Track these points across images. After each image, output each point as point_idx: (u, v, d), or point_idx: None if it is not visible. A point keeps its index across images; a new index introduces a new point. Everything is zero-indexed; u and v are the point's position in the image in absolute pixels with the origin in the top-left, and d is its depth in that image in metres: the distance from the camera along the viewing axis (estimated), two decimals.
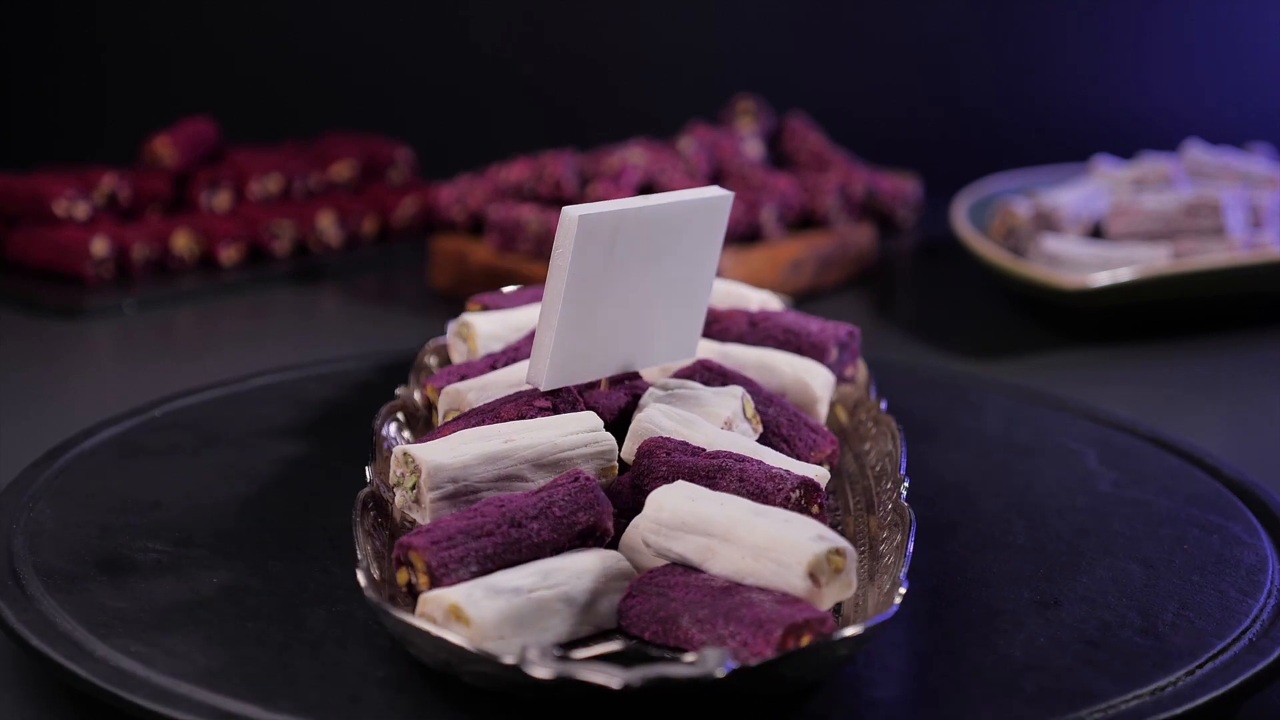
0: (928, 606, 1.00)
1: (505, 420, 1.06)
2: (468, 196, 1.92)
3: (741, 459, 1.00)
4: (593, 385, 1.13)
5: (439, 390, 1.16)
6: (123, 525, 1.11)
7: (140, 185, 1.96)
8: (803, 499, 0.97)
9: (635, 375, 1.15)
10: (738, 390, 1.10)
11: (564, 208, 1.05)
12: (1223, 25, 2.37)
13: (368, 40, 2.51)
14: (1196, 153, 2.01)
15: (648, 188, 1.88)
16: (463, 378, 1.17)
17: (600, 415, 1.08)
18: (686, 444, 1.02)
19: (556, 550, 0.96)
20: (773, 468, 0.99)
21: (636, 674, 0.82)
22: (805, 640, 0.87)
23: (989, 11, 2.42)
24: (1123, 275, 1.65)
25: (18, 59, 2.50)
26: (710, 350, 1.22)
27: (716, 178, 1.98)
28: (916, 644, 0.96)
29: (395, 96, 2.50)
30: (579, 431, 1.04)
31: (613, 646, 0.93)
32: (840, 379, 1.25)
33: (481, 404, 1.10)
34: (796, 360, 1.21)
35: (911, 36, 2.45)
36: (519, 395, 1.09)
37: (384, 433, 1.16)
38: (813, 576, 0.90)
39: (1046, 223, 1.86)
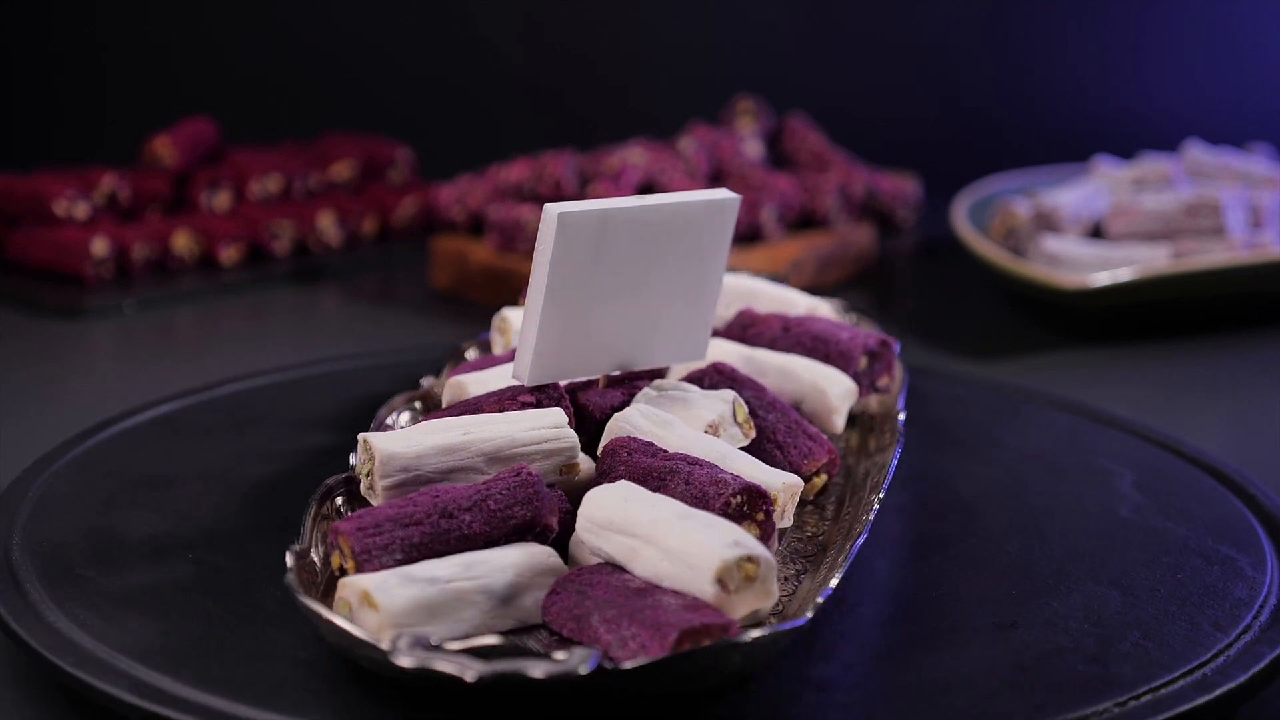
0: (886, 619, 1.00)
1: (485, 414, 1.06)
2: (468, 196, 1.92)
3: (695, 462, 1.00)
4: (591, 383, 1.13)
5: None
6: (129, 502, 1.14)
7: (140, 185, 1.96)
8: (745, 505, 0.97)
9: (645, 375, 1.15)
10: (729, 394, 1.10)
11: (545, 205, 1.06)
12: (1223, 25, 2.37)
13: (368, 40, 2.51)
14: (1196, 153, 2.01)
15: (648, 188, 1.88)
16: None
17: (592, 414, 1.09)
18: (651, 445, 1.02)
19: (490, 543, 0.96)
20: (721, 472, 0.98)
21: (491, 668, 0.82)
22: (704, 643, 0.86)
23: (989, 12, 2.42)
24: (1123, 275, 1.65)
25: (18, 59, 2.50)
26: (736, 354, 1.22)
27: (716, 178, 1.98)
28: (850, 656, 0.95)
29: (395, 96, 2.50)
30: (539, 428, 1.03)
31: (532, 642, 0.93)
32: (872, 389, 1.24)
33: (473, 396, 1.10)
34: (817, 368, 1.21)
35: (911, 37, 2.45)
36: (504, 391, 1.09)
37: (388, 420, 1.17)
38: (721, 583, 0.89)
39: (1046, 223, 1.86)
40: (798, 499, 1.04)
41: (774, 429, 1.11)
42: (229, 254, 1.94)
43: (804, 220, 1.96)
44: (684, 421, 1.07)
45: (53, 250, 1.86)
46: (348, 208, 2.04)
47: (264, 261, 1.97)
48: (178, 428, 1.30)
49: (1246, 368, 1.65)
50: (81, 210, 1.90)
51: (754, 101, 2.12)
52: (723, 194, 1.12)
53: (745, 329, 1.27)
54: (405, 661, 0.83)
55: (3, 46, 2.50)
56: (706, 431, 1.07)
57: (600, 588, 0.92)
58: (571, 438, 1.04)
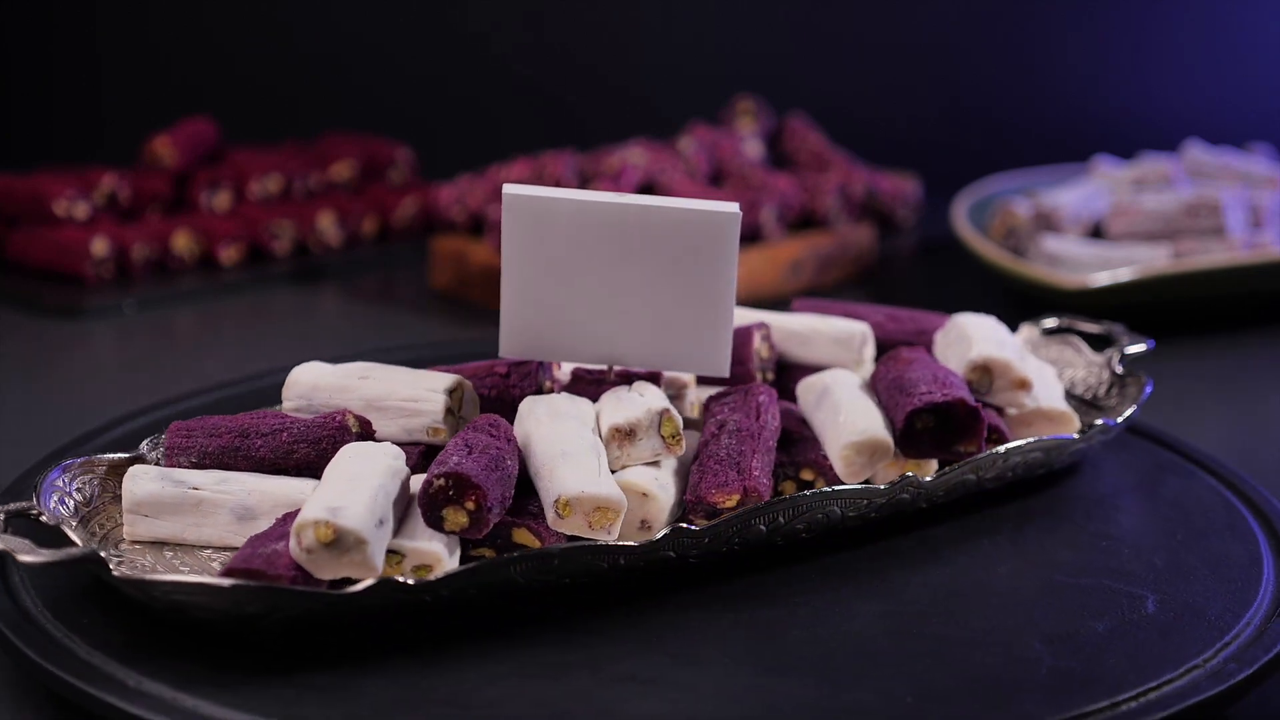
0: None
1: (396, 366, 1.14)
2: (468, 196, 1.92)
3: (491, 447, 1.02)
4: (601, 375, 1.16)
5: None
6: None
7: (140, 185, 1.96)
8: (450, 491, 0.97)
9: (647, 376, 1.16)
10: (659, 405, 1.08)
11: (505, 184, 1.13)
12: (1223, 25, 2.37)
13: (368, 40, 2.51)
14: (1196, 153, 2.01)
15: (648, 188, 1.88)
16: None
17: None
18: (498, 425, 1.06)
19: (280, 471, 1.06)
20: (467, 458, 0.99)
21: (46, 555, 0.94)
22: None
23: (989, 12, 2.42)
24: (1123, 275, 1.65)
25: (17, 59, 2.50)
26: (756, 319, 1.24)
27: (716, 178, 1.98)
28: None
29: (395, 96, 2.50)
30: (419, 388, 1.11)
31: None
32: (936, 448, 1.13)
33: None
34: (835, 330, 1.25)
35: (912, 37, 2.45)
36: (489, 363, 1.16)
37: None
38: (298, 536, 0.94)
39: (1046, 223, 1.86)
40: (616, 521, 1.01)
41: (718, 453, 1.08)
42: (229, 254, 1.94)
43: (804, 220, 1.96)
44: (587, 418, 1.08)
45: (53, 250, 1.86)
46: (348, 208, 2.04)
47: (264, 261, 1.97)
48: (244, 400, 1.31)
49: (1246, 368, 1.65)
50: (81, 210, 1.90)
51: (754, 101, 2.12)
52: (721, 206, 1.11)
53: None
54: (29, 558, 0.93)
55: (2, 46, 2.50)
56: (612, 434, 1.06)
57: (264, 538, 0.98)
58: (435, 404, 1.09)
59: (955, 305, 1.88)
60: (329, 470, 1.00)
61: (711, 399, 1.15)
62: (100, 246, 1.85)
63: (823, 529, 1.08)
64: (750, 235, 1.87)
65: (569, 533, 1.01)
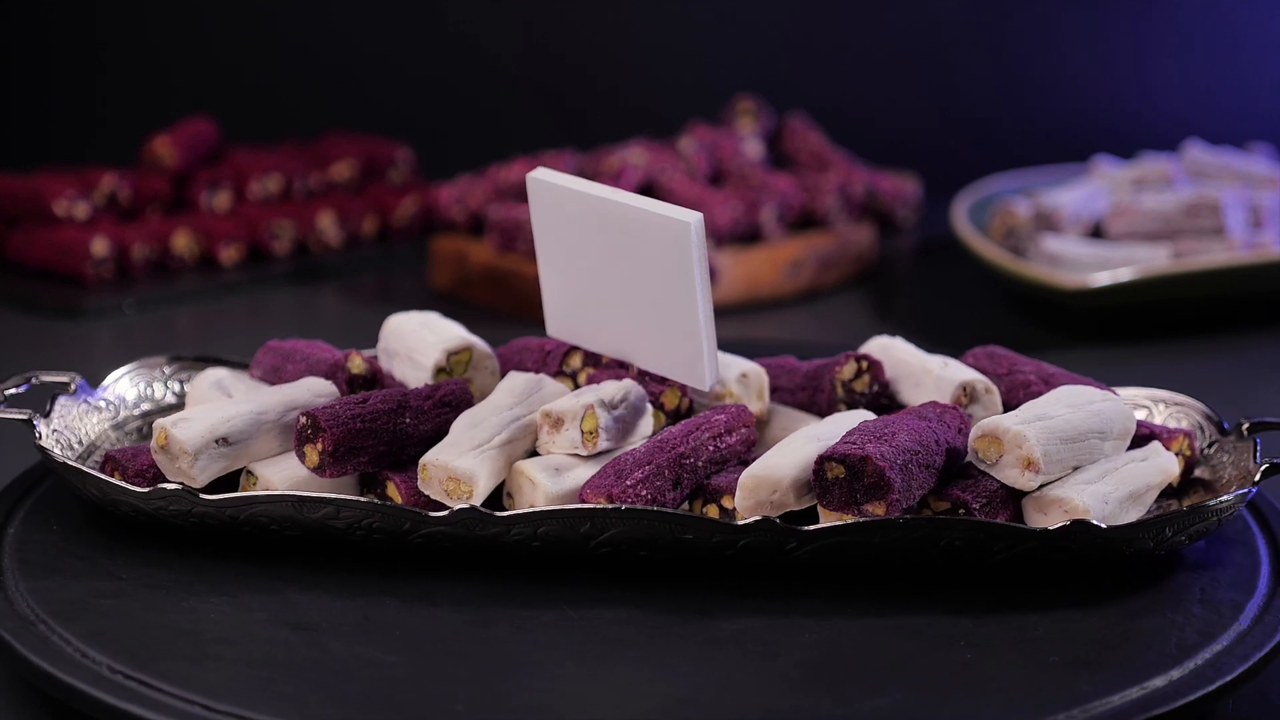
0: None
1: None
2: (468, 196, 1.92)
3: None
4: (624, 367, 1.16)
5: None
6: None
7: (140, 185, 1.96)
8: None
9: (656, 379, 1.15)
10: (587, 400, 1.08)
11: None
12: (1223, 25, 2.37)
13: (368, 40, 2.51)
14: (1196, 153, 2.01)
15: (648, 187, 1.88)
16: None
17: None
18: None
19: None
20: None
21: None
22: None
23: (989, 12, 2.42)
24: (1123, 275, 1.65)
25: (17, 59, 2.50)
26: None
27: (716, 178, 1.98)
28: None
29: (395, 96, 2.50)
30: (428, 342, 1.19)
31: None
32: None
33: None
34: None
35: (912, 37, 2.45)
36: (541, 340, 1.20)
37: None
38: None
39: (1046, 223, 1.86)
40: (471, 495, 1.05)
41: (628, 455, 1.06)
42: (229, 254, 1.94)
43: (804, 220, 1.96)
44: (535, 404, 1.11)
45: (53, 250, 1.86)
46: (348, 208, 2.04)
47: (264, 261, 1.97)
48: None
49: (1246, 368, 1.65)
50: (81, 210, 1.90)
51: (754, 101, 2.12)
52: (680, 214, 1.08)
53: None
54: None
55: (2, 46, 2.50)
56: (542, 418, 1.08)
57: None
58: (429, 360, 1.17)
59: (955, 305, 1.89)
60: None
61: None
62: (100, 246, 1.85)
63: (670, 553, 1.03)
64: (750, 235, 1.87)
65: (431, 495, 1.06)
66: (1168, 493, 1.14)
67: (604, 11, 2.48)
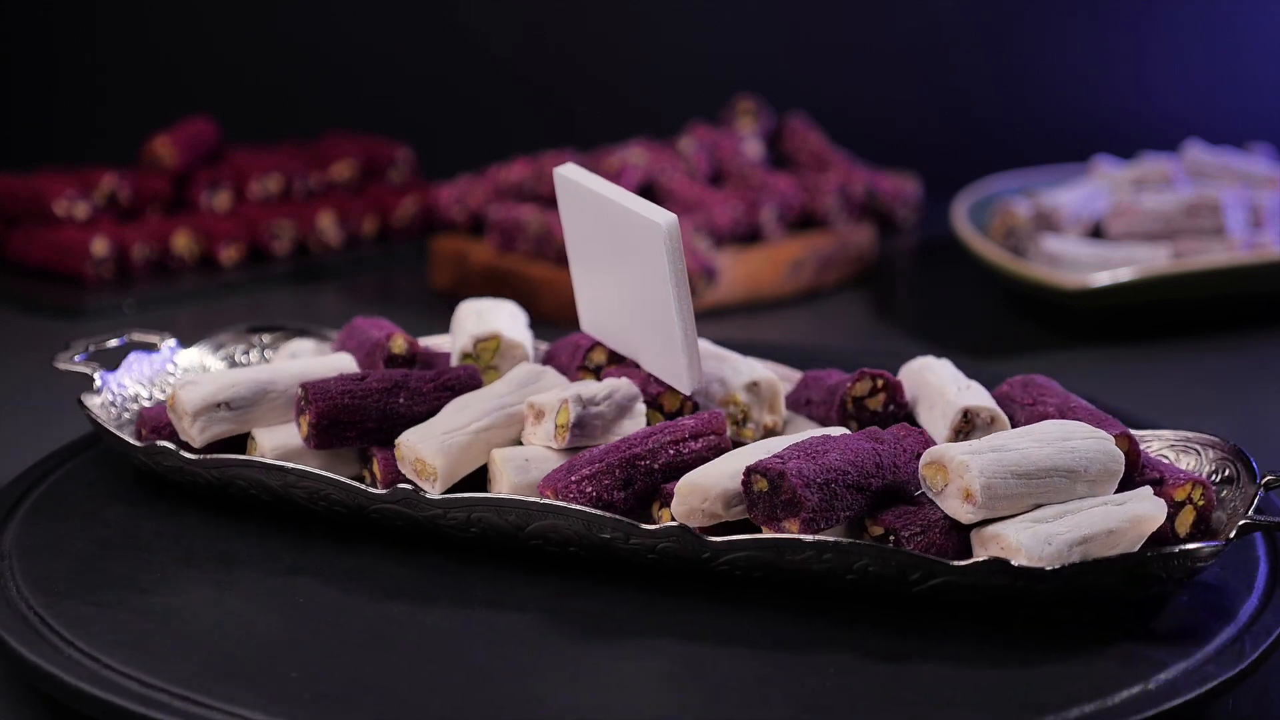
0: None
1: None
2: (468, 196, 1.92)
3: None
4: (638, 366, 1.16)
5: None
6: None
7: (140, 185, 1.96)
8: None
9: (662, 384, 1.14)
10: (565, 394, 1.08)
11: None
12: (1223, 25, 2.37)
13: (368, 40, 2.51)
14: (1196, 153, 2.01)
15: (648, 187, 1.88)
16: None
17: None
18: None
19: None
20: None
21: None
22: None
23: (989, 11, 2.42)
24: (1123, 275, 1.65)
25: (17, 59, 2.50)
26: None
27: (716, 178, 1.98)
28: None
29: (395, 96, 2.50)
30: (463, 329, 1.21)
31: None
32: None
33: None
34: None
35: (912, 37, 2.45)
36: (576, 335, 1.21)
37: None
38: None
39: (1046, 223, 1.86)
40: (435, 478, 1.07)
41: (584, 454, 1.06)
42: (229, 254, 1.94)
43: (804, 220, 1.96)
44: (527, 394, 1.12)
45: (53, 250, 1.86)
46: (348, 208, 2.04)
47: (264, 261, 1.97)
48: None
49: (1246, 368, 1.65)
50: (81, 210, 1.90)
51: (754, 101, 2.12)
52: (657, 214, 1.07)
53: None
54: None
55: (2, 46, 2.50)
56: (527, 408, 1.10)
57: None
58: (457, 346, 1.19)
59: (955, 305, 1.89)
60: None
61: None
62: (100, 246, 1.85)
63: (599, 552, 1.03)
64: (750, 235, 1.87)
65: (405, 473, 1.09)
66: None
67: (604, 11, 2.48)
